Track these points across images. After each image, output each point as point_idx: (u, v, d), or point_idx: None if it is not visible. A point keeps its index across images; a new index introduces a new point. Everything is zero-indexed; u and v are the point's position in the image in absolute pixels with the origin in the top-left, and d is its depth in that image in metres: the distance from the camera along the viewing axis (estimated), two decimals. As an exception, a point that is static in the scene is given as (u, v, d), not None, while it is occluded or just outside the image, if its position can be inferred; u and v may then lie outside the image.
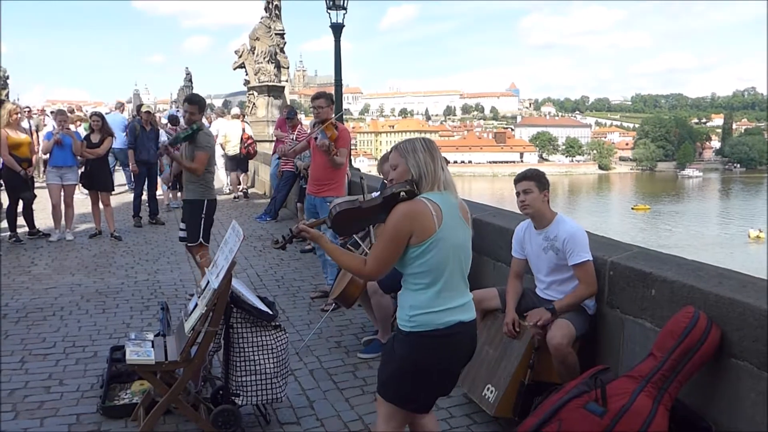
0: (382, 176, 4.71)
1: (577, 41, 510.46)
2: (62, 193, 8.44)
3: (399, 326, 2.49)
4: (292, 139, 8.65)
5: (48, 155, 8.46)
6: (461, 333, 2.45)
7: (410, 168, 2.43)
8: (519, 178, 3.67)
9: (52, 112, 15.55)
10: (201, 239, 5.60)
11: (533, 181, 3.60)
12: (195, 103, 5.67)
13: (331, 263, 5.48)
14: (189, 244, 5.71)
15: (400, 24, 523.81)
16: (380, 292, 4.47)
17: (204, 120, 14.30)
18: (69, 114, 10.49)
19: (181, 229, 5.77)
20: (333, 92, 11.63)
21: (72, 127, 9.56)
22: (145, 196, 9.93)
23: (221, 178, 13.48)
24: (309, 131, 5.78)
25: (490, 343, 3.72)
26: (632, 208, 68.67)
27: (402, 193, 2.39)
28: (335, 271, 5.35)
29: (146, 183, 9.87)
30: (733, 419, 2.74)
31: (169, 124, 11.99)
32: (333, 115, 5.78)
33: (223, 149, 12.39)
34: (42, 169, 12.13)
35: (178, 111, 14.97)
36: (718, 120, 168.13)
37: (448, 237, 2.39)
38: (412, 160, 2.43)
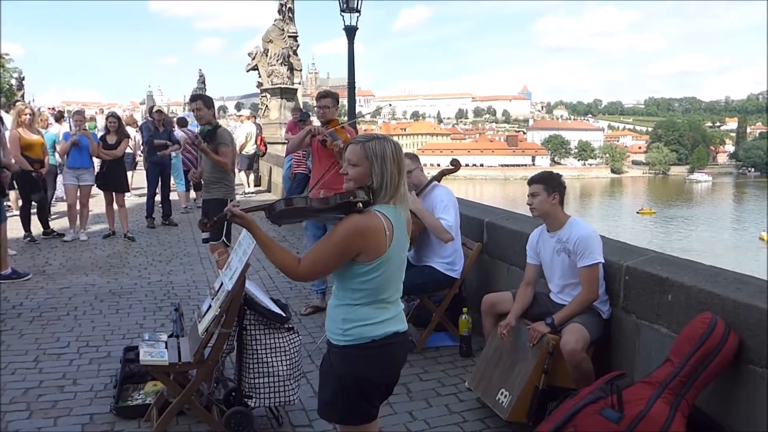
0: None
1: (590, 43, 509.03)
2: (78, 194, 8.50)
3: (332, 341, 2.34)
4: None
5: (65, 156, 8.54)
6: (396, 343, 2.35)
7: (372, 175, 2.22)
8: (529, 182, 3.76)
9: (51, 110, 15.73)
10: (223, 238, 5.40)
11: (541, 184, 3.65)
12: (194, 100, 5.75)
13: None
14: (212, 242, 5.66)
15: (413, 26, 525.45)
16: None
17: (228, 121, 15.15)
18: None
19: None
20: (346, 95, 11.74)
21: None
22: (158, 197, 9.99)
23: (241, 177, 13.89)
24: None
25: (504, 348, 3.70)
26: (637, 213, 68.42)
27: (359, 204, 2.20)
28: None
29: (160, 184, 9.93)
30: (751, 427, 2.70)
31: (177, 126, 12.04)
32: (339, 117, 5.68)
33: (242, 150, 12.68)
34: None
35: (189, 114, 15.18)
36: (732, 123, 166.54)
37: (395, 256, 2.27)
38: (377, 168, 2.22)
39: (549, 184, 3.64)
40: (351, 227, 2.20)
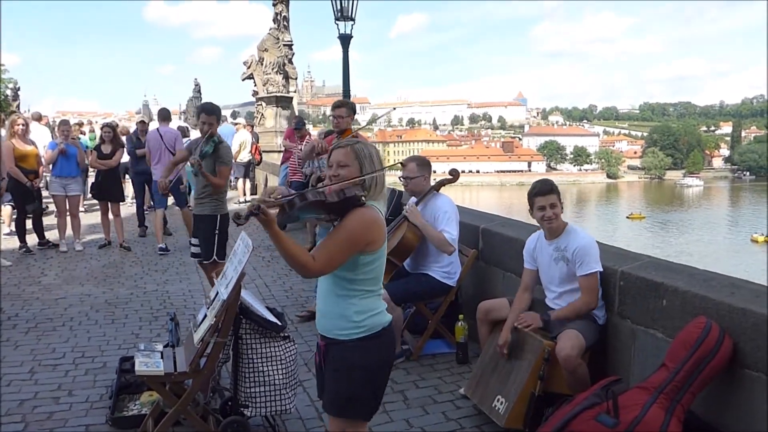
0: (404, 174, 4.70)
1: (587, 48, 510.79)
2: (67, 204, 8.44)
3: (342, 337, 2.41)
4: (301, 149, 8.66)
5: (51, 166, 8.43)
6: (393, 330, 2.55)
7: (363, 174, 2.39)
8: (545, 191, 3.56)
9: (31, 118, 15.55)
10: (215, 257, 5.25)
11: (557, 194, 3.59)
12: (213, 113, 5.25)
13: None
14: (204, 262, 5.41)
15: (410, 33, 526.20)
16: (391, 304, 4.42)
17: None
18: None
19: (193, 245, 5.51)
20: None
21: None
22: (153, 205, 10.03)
23: (237, 186, 14.10)
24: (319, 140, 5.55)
25: (501, 356, 3.69)
26: (627, 217, 68.63)
27: (362, 198, 2.34)
28: None
29: (148, 193, 10.01)
30: (747, 431, 2.71)
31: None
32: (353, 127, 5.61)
33: (235, 158, 12.77)
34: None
35: (191, 124, 15.31)
36: (726, 128, 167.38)
37: (385, 245, 2.48)
38: (368, 168, 2.39)
39: (560, 193, 3.64)
40: (361, 220, 2.34)
